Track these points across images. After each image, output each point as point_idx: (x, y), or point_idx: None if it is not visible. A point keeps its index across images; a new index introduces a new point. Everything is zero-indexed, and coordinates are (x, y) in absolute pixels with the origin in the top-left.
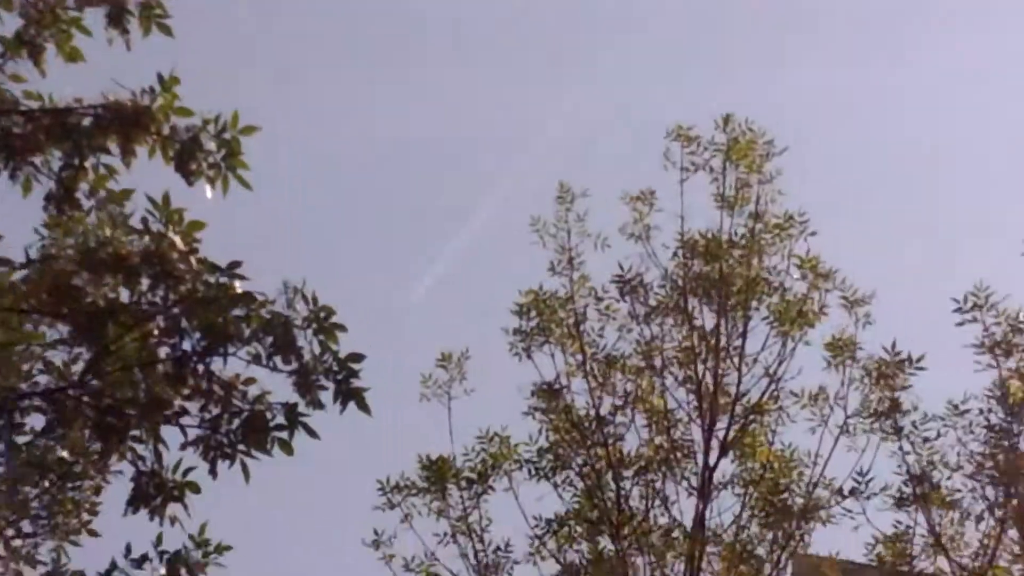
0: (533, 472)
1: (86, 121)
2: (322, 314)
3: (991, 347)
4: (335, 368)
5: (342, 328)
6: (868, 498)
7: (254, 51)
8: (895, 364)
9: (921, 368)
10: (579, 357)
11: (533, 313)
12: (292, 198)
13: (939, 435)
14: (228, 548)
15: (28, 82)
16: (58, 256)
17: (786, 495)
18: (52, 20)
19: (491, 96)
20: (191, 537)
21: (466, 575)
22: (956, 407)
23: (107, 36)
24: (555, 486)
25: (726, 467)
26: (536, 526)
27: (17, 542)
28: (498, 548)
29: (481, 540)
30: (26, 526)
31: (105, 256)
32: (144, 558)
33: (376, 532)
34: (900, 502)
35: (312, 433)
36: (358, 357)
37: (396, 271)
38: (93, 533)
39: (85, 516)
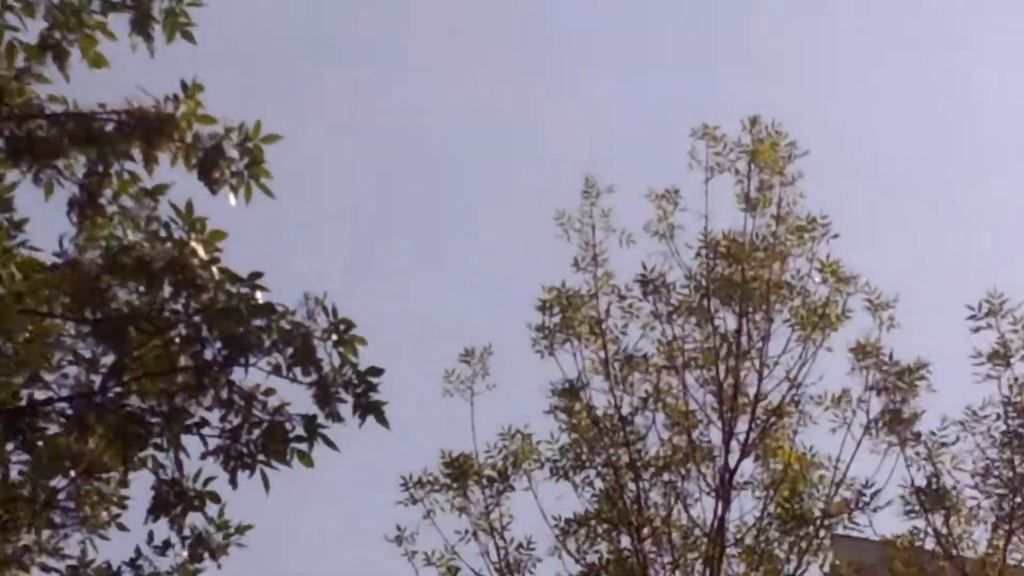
0: (554, 471)
1: (109, 127)
2: (342, 326)
3: (991, 356)
4: (354, 380)
5: (362, 341)
6: (875, 510)
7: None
8: (896, 374)
9: (922, 378)
10: (601, 355)
11: (556, 310)
12: (314, 198)
13: (957, 439)
14: (249, 527)
15: (52, 83)
16: (83, 261)
17: (806, 500)
18: (77, 24)
19: (513, 90)
20: (211, 521)
21: (487, 573)
22: (975, 413)
23: (131, 42)
24: (575, 486)
25: (747, 468)
26: (556, 525)
27: (45, 533)
28: (520, 545)
29: (503, 537)
30: (55, 517)
31: (129, 261)
32: (167, 544)
33: (399, 528)
34: (908, 512)
35: (331, 444)
36: (377, 371)
37: (424, 265)
38: (122, 527)
39: (114, 509)
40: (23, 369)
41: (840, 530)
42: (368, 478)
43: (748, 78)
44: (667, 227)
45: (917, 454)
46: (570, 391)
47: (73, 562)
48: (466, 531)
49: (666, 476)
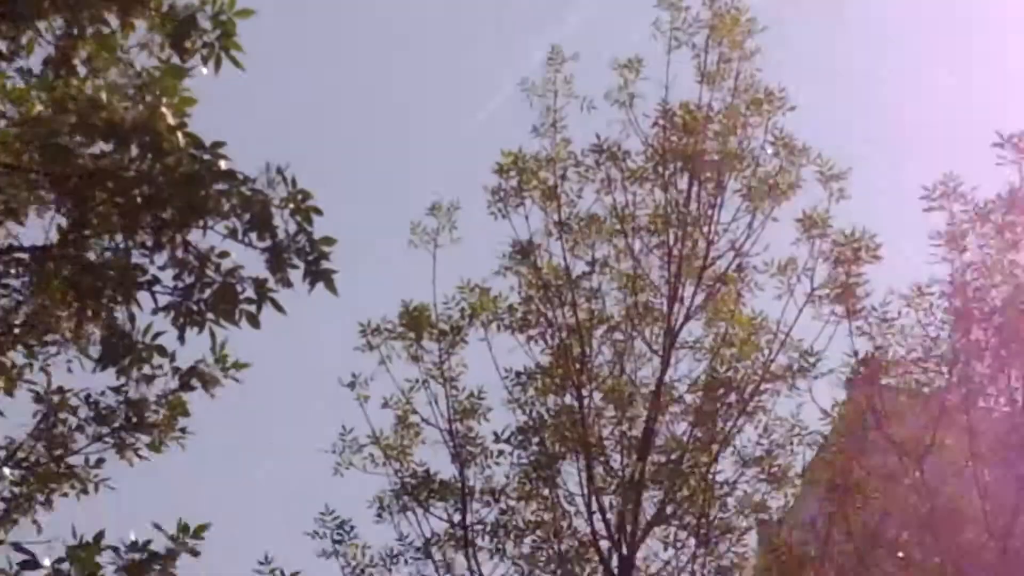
0: (506, 325)
1: None
2: (300, 196)
3: (948, 239)
4: (307, 249)
5: (318, 211)
6: (815, 378)
7: None
8: (851, 250)
9: (876, 257)
10: (555, 217)
11: (513, 173)
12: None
13: (900, 314)
14: (246, 365)
15: None
16: (53, 117)
17: (747, 363)
18: None
19: None
20: (212, 351)
21: (437, 421)
22: (920, 290)
23: None
24: (529, 339)
25: (695, 331)
26: (507, 377)
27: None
28: (471, 394)
29: (454, 387)
30: None
31: (98, 121)
32: (151, 377)
33: (353, 374)
34: (849, 382)
35: (279, 308)
36: (330, 240)
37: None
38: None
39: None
40: None
41: (781, 396)
42: (331, 326)
43: None
44: (627, 96)
45: (859, 327)
46: (522, 251)
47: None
48: (417, 380)
49: (614, 336)
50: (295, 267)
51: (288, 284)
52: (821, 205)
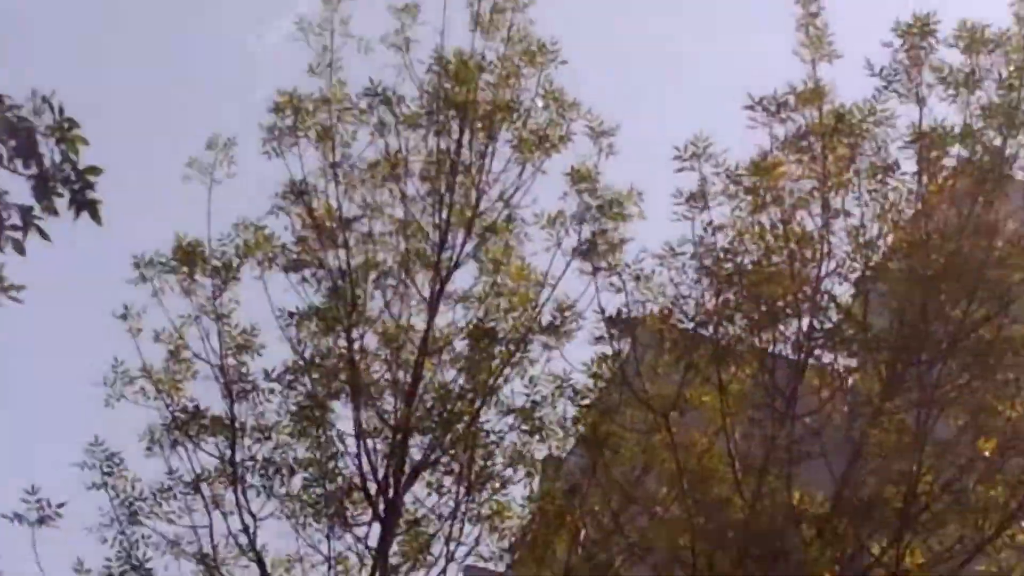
0: (280, 265)
1: None
2: (66, 124)
3: (689, 198)
4: (73, 178)
5: (84, 141)
6: (567, 334)
7: None
8: (598, 206)
9: (620, 215)
10: (330, 159)
11: (288, 112)
12: None
13: (653, 272)
14: (22, 287)
15: None
16: None
17: (513, 315)
18: None
19: None
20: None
21: (208, 356)
22: (672, 249)
23: None
24: (303, 280)
25: (465, 280)
26: (280, 316)
27: None
28: (244, 331)
29: (227, 323)
30: None
31: None
32: None
33: (125, 306)
34: (598, 340)
35: (45, 236)
36: (96, 170)
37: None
38: None
39: None
40: None
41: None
42: (103, 257)
43: None
44: (403, 40)
45: (612, 284)
46: (296, 192)
47: None
48: (190, 315)
49: (386, 281)
50: (60, 196)
51: (54, 212)
52: (590, 160)
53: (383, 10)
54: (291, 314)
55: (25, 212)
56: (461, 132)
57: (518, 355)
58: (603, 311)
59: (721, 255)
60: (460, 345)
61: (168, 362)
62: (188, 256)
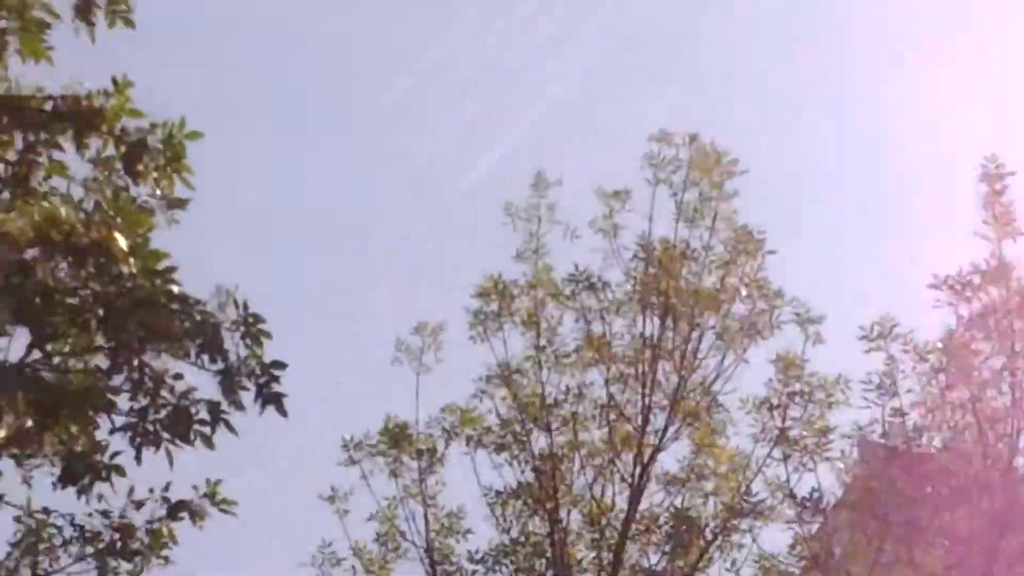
0: (484, 445)
1: (47, 106)
2: (250, 320)
3: (878, 386)
4: (258, 371)
5: (267, 335)
6: (756, 519)
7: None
8: (803, 393)
9: (827, 401)
10: (534, 341)
11: (493, 298)
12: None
13: (843, 453)
14: (235, 503)
15: None
16: (11, 231)
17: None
18: (18, 14)
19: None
20: (205, 491)
21: (414, 538)
22: (861, 429)
23: (73, 27)
24: (508, 461)
25: (668, 463)
26: (486, 494)
27: None
28: (450, 513)
29: (433, 504)
30: None
31: (58, 235)
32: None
33: (333, 488)
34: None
35: (231, 430)
36: (280, 364)
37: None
38: None
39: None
40: None
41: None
42: (314, 441)
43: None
44: (611, 226)
45: (803, 465)
46: (500, 377)
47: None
48: (395, 497)
49: (590, 462)
50: (246, 389)
51: (240, 407)
52: (795, 346)
53: (584, 194)
54: (497, 493)
55: (213, 407)
56: (664, 319)
57: (721, 538)
58: (793, 495)
59: (911, 434)
60: (662, 526)
61: (377, 543)
62: (395, 438)
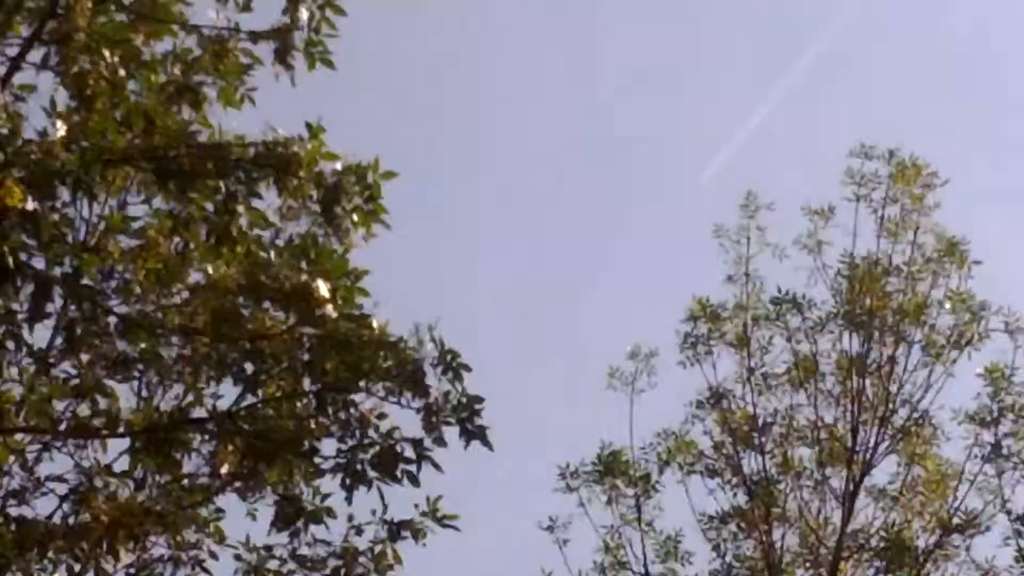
0: (697, 471)
1: (249, 153)
2: (449, 356)
3: None
4: (460, 406)
5: (467, 368)
6: (971, 536)
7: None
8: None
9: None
10: (745, 363)
11: (703, 321)
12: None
13: None
14: (456, 516)
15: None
16: (223, 281)
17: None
18: (215, 67)
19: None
20: (426, 511)
21: (631, 564)
22: None
23: (274, 72)
24: (721, 486)
25: (879, 477)
26: (701, 520)
27: None
28: (669, 537)
29: (651, 530)
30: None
31: (268, 280)
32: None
33: (551, 518)
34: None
35: (437, 468)
36: (480, 399)
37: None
38: None
39: None
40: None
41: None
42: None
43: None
44: (816, 243)
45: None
46: (711, 400)
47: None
48: (610, 526)
49: (801, 482)
50: (449, 425)
51: (443, 443)
52: (1005, 357)
53: (787, 214)
54: (711, 518)
55: (417, 445)
56: (870, 335)
57: (936, 552)
58: (1008, 509)
59: None
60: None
61: (595, 570)
62: (610, 465)
